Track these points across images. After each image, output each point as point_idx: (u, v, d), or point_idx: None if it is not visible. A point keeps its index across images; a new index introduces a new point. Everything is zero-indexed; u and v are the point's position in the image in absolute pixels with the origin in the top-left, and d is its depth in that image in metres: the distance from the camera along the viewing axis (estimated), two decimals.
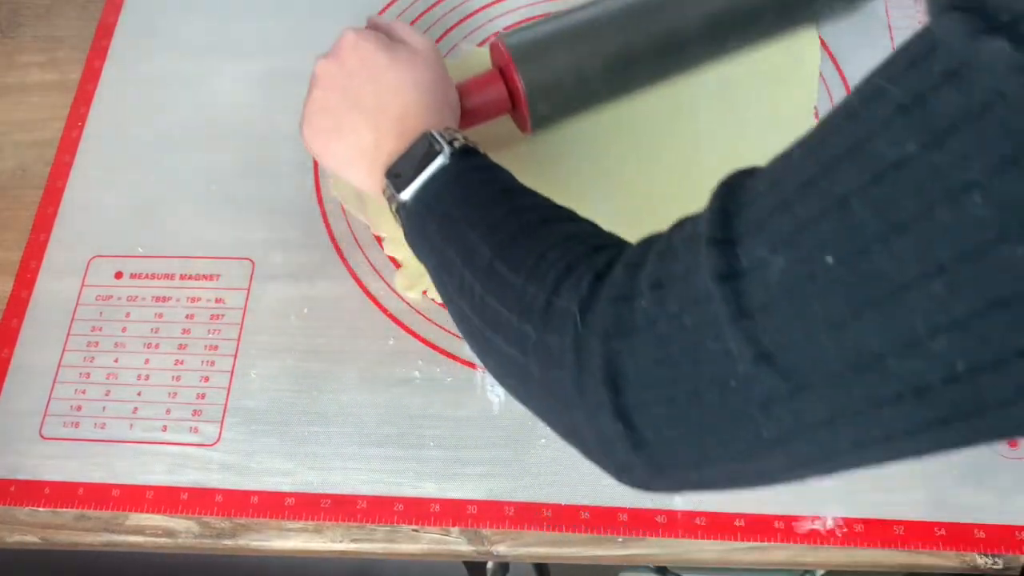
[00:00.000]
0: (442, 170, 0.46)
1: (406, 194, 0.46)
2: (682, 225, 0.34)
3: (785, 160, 0.30)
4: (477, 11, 0.68)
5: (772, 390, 0.28)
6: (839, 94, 0.62)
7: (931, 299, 0.24)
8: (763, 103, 0.62)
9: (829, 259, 0.26)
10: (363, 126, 0.50)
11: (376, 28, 0.56)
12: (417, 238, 0.47)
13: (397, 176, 0.47)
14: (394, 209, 0.48)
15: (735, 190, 0.31)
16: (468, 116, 0.55)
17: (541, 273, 0.38)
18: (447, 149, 0.46)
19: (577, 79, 0.55)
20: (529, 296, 0.38)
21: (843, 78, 0.63)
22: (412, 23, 0.68)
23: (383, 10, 0.69)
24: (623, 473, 0.36)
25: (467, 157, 0.47)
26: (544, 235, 0.41)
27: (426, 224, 0.46)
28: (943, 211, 0.24)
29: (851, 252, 0.26)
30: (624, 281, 0.34)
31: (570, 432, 0.38)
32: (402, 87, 0.50)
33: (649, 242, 0.36)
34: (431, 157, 0.46)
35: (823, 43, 0.65)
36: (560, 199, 0.59)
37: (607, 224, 0.60)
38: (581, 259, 0.38)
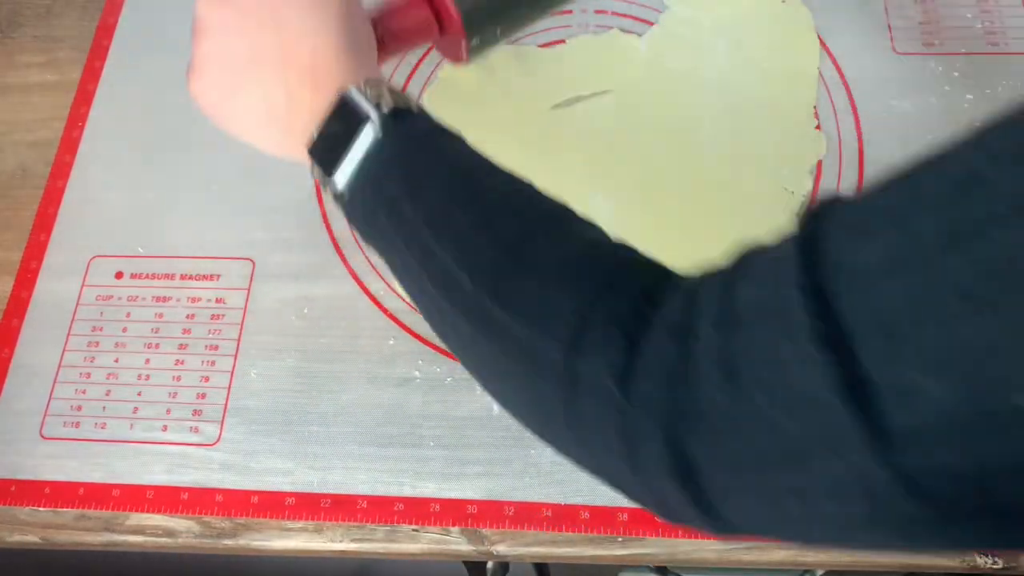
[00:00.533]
0: (376, 145, 0.39)
1: (339, 181, 0.39)
2: (750, 279, 0.28)
3: (912, 224, 0.24)
4: None
5: (909, 513, 0.24)
6: (839, 94, 0.62)
7: None
8: (763, 103, 0.62)
9: (1019, 399, 0.21)
10: (268, 81, 0.41)
11: None
12: (367, 234, 0.40)
13: (323, 155, 0.40)
14: (327, 194, 0.41)
15: (828, 242, 0.25)
16: (386, 46, 0.47)
17: (549, 323, 0.32)
18: (375, 115, 0.39)
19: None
20: (540, 351, 0.32)
21: (843, 78, 0.63)
22: None
23: None
24: (669, 516, 0.31)
25: (402, 122, 0.39)
26: (538, 256, 0.34)
27: (374, 217, 0.39)
28: None
29: None
30: (675, 356, 0.28)
31: (604, 474, 0.33)
32: (308, 28, 0.41)
33: (693, 296, 0.29)
34: (356, 126, 0.39)
35: (823, 43, 0.65)
36: (561, 190, 0.60)
37: (605, 224, 0.60)
38: (598, 303, 0.31)
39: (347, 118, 0.39)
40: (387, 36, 0.47)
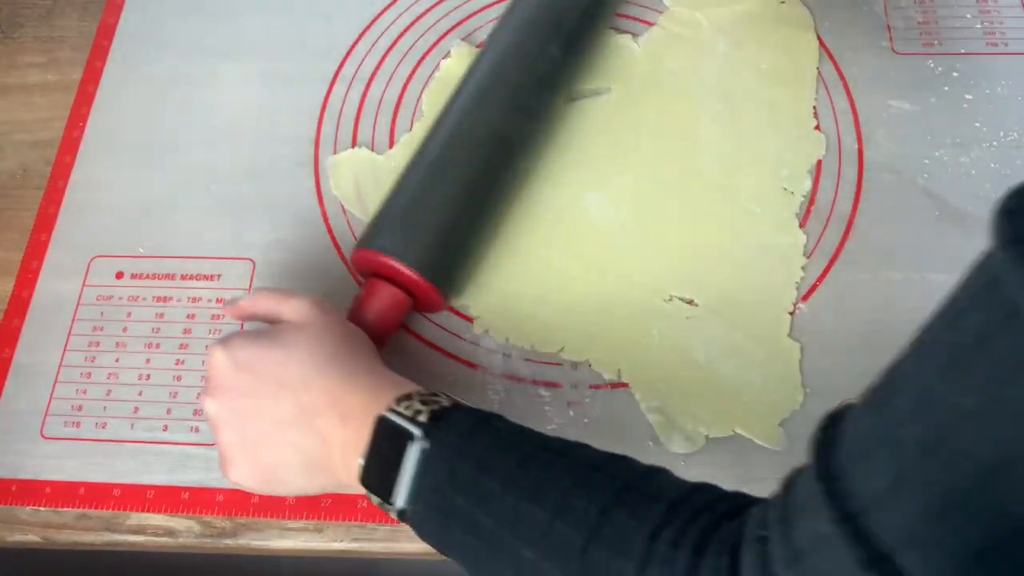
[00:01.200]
0: (426, 457, 0.40)
1: (399, 502, 0.41)
2: (798, 512, 0.31)
3: (897, 441, 0.28)
4: (477, 12, 0.68)
5: None
6: (838, 94, 0.62)
7: None
8: (762, 103, 0.62)
9: None
10: (298, 437, 0.44)
11: (240, 316, 0.51)
12: (444, 546, 0.41)
13: (377, 483, 0.41)
14: (395, 518, 0.42)
15: (838, 472, 0.29)
16: (378, 337, 0.50)
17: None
18: (416, 431, 0.40)
19: (455, 228, 0.53)
20: None
21: (842, 78, 0.63)
22: (411, 24, 0.68)
23: (381, 13, 0.69)
24: None
25: (444, 426, 0.41)
26: (619, 525, 0.35)
27: (447, 531, 0.40)
28: None
29: None
30: None
31: None
32: (313, 373, 0.44)
33: (761, 539, 0.32)
34: (402, 447, 0.40)
35: (822, 43, 0.65)
36: (558, 199, 0.60)
37: (604, 223, 0.60)
38: (696, 566, 0.33)
39: (390, 440, 0.41)
40: (373, 329, 0.50)
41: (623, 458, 0.40)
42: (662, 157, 0.61)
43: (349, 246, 0.59)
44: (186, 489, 0.53)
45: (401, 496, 0.41)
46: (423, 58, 0.66)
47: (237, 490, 0.52)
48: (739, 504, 0.36)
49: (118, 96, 0.67)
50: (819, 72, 0.63)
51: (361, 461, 0.42)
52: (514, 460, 0.39)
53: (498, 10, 0.68)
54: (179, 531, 0.52)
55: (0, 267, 0.61)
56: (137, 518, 0.53)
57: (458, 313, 0.57)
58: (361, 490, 0.43)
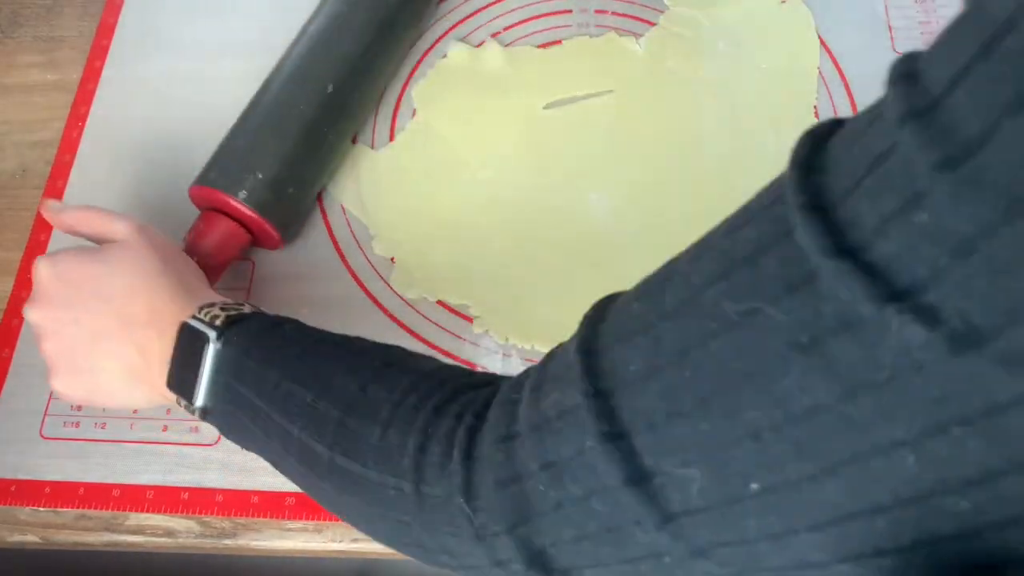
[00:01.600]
0: (219, 357, 0.42)
1: (198, 401, 0.43)
2: (552, 381, 0.31)
3: (655, 333, 0.28)
4: (476, 12, 0.68)
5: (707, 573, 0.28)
6: (839, 94, 0.62)
7: (873, 532, 0.24)
8: (762, 103, 0.62)
9: (754, 486, 0.25)
10: (118, 348, 0.45)
11: (62, 227, 0.51)
12: (240, 441, 0.44)
13: (181, 386, 0.44)
14: (198, 418, 0.45)
15: (600, 348, 0.29)
16: (211, 268, 0.52)
17: (395, 464, 0.35)
18: (211, 334, 0.43)
19: (289, 164, 0.55)
20: (394, 490, 0.35)
21: (843, 78, 0.63)
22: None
23: None
24: None
25: (238, 330, 0.43)
26: (372, 405, 0.37)
27: (238, 423, 0.42)
28: (877, 461, 0.22)
29: (779, 484, 0.25)
30: (504, 462, 0.32)
31: (469, 571, 0.36)
32: (135, 287, 0.45)
33: (514, 405, 0.33)
34: (200, 349, 0.43)
35: (823, 42, 0.65)
36: (556, 195, 0.60)
37: (605, 223, 0.60)
38: (432, 433, 0.35)
39: (191, 344, 0.43)
40: (207, 260, 0.52)
41: (395, 347, 0.42)
42: (663, 157, 0.61)
43: (349, 246, 0.60)
44: (185, 489, 0.53)
45: (200, 396, 0.43)
46: (422, 58, 0.66)
47: (237, 490, 0.52)
48: (494, 377, 0.38)
49: (118, 96, 0.67)
50: (819, 72, 0.63)
51: (167, 366, 0.44)
52: (294, 353, 0.41)
53: (497, 10, 0.68)
54: (178, 531, 0.52)
55: (0, 267, 0.61)
56: (136, 518, 0.53)
57: (458, 313, 0.57)
58: (168, 393, 0.45)
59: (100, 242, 0.50)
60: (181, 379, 0.44)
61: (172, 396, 0.45)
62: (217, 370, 0.43)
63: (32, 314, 0.47)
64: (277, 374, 0.41)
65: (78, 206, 0.51)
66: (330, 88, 0.58)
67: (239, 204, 0.54)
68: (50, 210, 0.52)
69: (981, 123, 0.19)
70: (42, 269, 0.47)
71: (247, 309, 0.46)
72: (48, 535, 0.53)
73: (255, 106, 0.58)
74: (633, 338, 0.29)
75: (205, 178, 0.55)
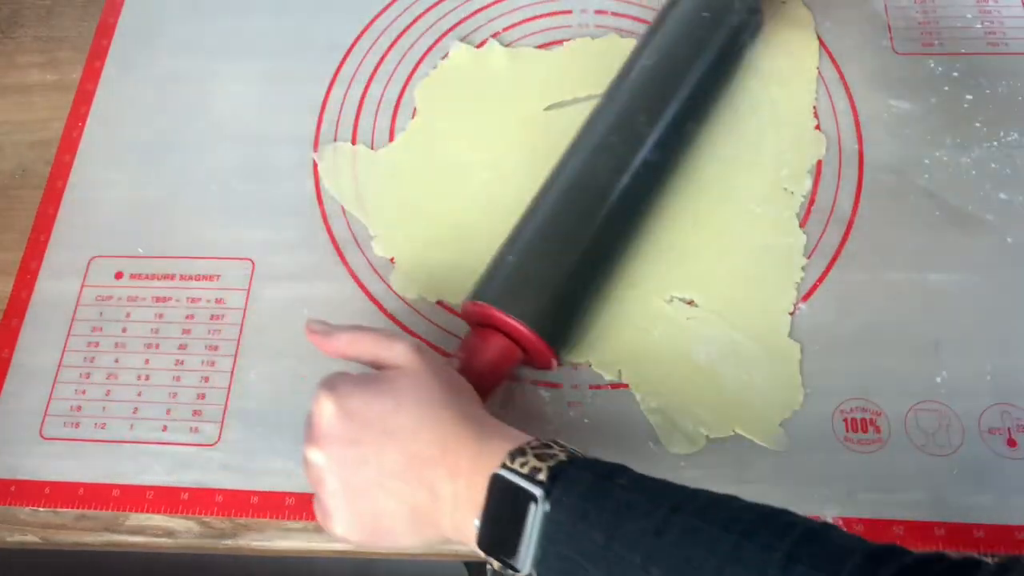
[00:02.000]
0: (548, 524, 0.38)
1: (524, 567, 0.39)
2: None
3: None
4: (477, 12, 0.68)
5: None
6: (838, 94, 0.62)
7: None
8: (762, 103, 0.62)
9: None
10: (404, 489, 0.42)
11: (335, 354, 0.49)
12: None
13: (496, 546, 0.40)
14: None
15: None
16: (482, 389, 0.48)
17: None
18: (536, 492, 0.38)
19: (569, 285, 0.51)
20: None
21: (842, 78, 0.63)
22: (411, 24, 0.68)
23: (381, 13, 0.69)
24: None
25: (565, 487, 0.39)
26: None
27: None
28: None
29: None
30: None
31: None
32: (422, 421, 0.43)
33: None
34: (523, 509, 0.38)
35: (822, 43, 0.65)
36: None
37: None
38: None
39: (509, 501, 0.39)
40: (479, 380, 0.48)
41: (779, 514, 0.37)
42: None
43: (349, 246, 0.60)
44: (185, 490, 0.53)
45: (526, 561, 0.39)
46: (423, 58, 0.66)
47: (236, 490, 0.52)
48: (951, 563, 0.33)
49: (117, 96, 0.67)
50: (819, 72, 0.63)
51: (477, 523, 0.40)
52: (649, 527, 0.37)
53: (497, 10, 0.68)
54: (178, 531, 0.52)
55: (0, 267, 0.61)
56: (136, 518, 0.53)
57: (458, 313, 0.57)
58: (473, 548, 0.41)
59: (376, 365, 0.47)
60: (498, 539, 0.40)
61: (458, 540, 0.42)
62: (549, 538, 0.38)
63: (316, 455, 0.44)
64: (639, 558, 0.36)
65: (348, 328, 0.48)
66: (616, 199, 0.53)
67: (519, 324, 0.49)
68: (316, 334, 0.49)
69: None
70: (328, 407, 0.44)
71: (561, 454, 0.41)
72: (48, 535, 0.53)
73: (534, 219, 0.54)
74: None
75: (484, 295, 0.51)
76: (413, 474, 0.42)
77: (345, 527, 0.44)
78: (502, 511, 0.39)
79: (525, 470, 0.39)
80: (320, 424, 0.44)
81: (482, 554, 0.41)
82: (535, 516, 0.38)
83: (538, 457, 0.40)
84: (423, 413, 0.43)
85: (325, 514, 0.44)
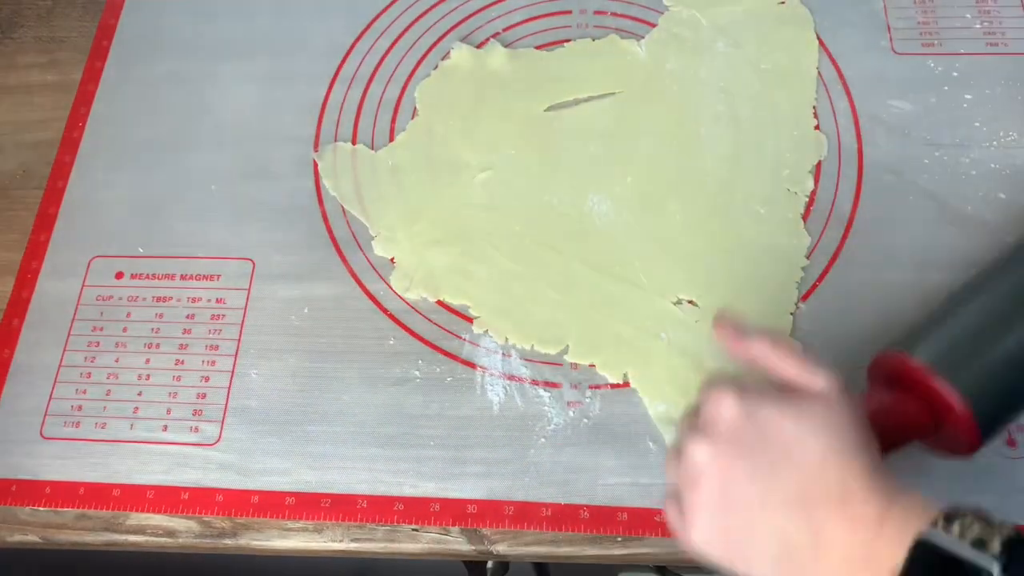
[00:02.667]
0: None
1: None
2: None
3: None
4: (476, 12, 0.68)
5: None
6: (839, 94, 0.62)
7: None
8: (762, 103, 0.62)
9: None
10: (786, 521, 0.37)
11: (744, 354, 0.44)
12: None
13: None
14: None
15: None
16: (881, 448, 0.42)
17: None
18: (992, 567, 0.33)
19: (1013, 376, 0.45)
20: None
21: (842, 78, 0.63)
22: (411, 24, 0.68)
23: (381, 13, 0.69)
24: None
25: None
26: None
27: None
28: None
29: None
30: None
31: None
32: (827, 460, 0.38)
33: None
34: None
35: (822, 43, 0.65)
36: (556, 197, 0.60)
37: (605, 224, 0.60)
38: None
39: (941, 570, 0.34)
40: (882, 438, 0.42)
41: None
42: (664, 158, 0.61)
43: (349, 246, 0.60)
44: (186, 489, 0.53)
45: None
46: (423, 58, 0.66)
47: (237, 490, 0.52)
48: None
49: (118, 96, 0.67)
50: (819, 72, 0.63)
51: (837, 567, 0.36)
52: None
53: (497, 10, 0.68)
54: (179, 531, 0.52)
55: (0, 267, 0.61)
56: (137, 518, 0.53)
57: (458, 313, 0.57)
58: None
59: (784, 385, 0.42)
60: None
61: None
62: None
63: (703, 451, 0.40)
64: None
65: (766, 335, 0.44)
66: None
67: (954, 396, 0.44)
68: (728, 330, 0.45)
69: None
70: (733, 407, 0.40)
71: (990, 516, 0.35)
72: (48, 535, 0.53)
73: (983, 294, 0.48)
74: None
75: (922, 351, 0.46)
76: (802, 511, 0.37)
77: (704, 539, 0.40)
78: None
79: (968, 537, 0.34)
80: (718, 421, 0.40)
81: None
82: None
83: (980, 522, 0.34)
84: (831, 452, 0.38)
85: (683, 518, 0.41)
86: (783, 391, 0.41)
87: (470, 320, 0.56)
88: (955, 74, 0.62)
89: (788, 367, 0.42)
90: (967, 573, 0.33)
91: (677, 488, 0.41)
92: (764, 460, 0.39)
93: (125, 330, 0.58)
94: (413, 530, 0.51)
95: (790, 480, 0.38)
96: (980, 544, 0.33)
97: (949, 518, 0.35)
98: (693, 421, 0.42)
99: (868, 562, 0.35)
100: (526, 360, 0.55)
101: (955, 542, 0.34)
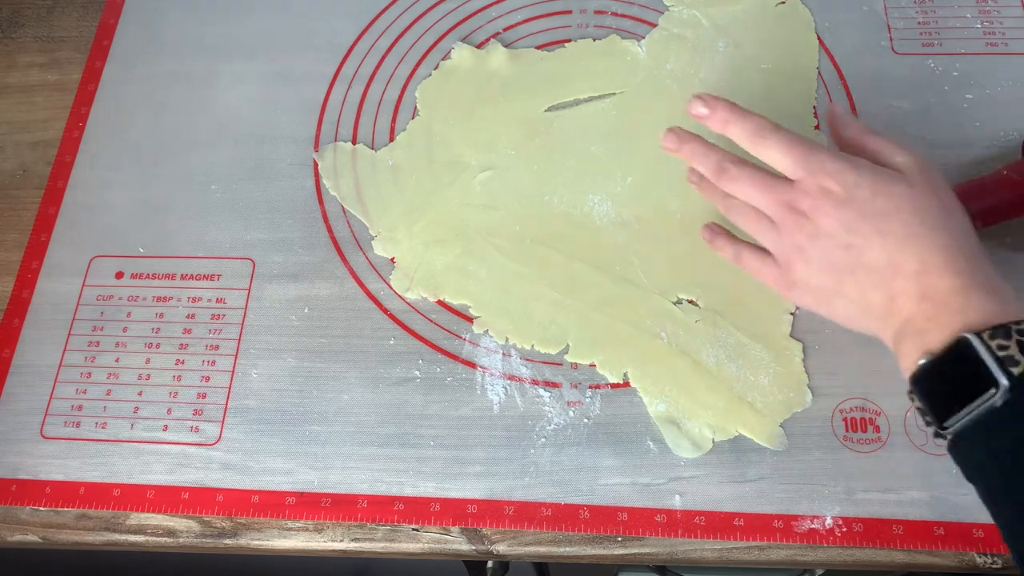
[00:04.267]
0: (996, 416, 0.37)
1: (949, 431, 0.39)
2: None
3: None
4: (477, 12, 0.68)
5: None
6: (839, 94, 0.62)
7: None
8: (763, 103, 0.62)
9: None
10: (869, 287, 0.43)
11: (847, 133, 0.48)
12: (974, 479, 0.40)
13: (931, 396, 0.40)
14: (930, 430, 0.41)
15: None
16: (975, 225, 0.46)
17: None
18: (1002, 381, 0.37)
19: None
20: None
21: (842, 78, 0.63)
22: (412, 24, 0.68)
23: (381, 13, 0.69)
24: None
25: None
26: None
27: (986, 475, 0.38)
28: None
29: None
30: None
31: None
32: (910, 233, 0.42)
33: None
34: (974, 386, 0.38)
35: (822, 43, 0.65)
36: (556, 197, 0.60)
37: (605, 224, 0.60)
38: None
39: (963, 370, 0.38)
40: (976, 216, 0.46)
41: None
42: (664, 158, 0.61)
43: (349, 246, 0.60)
44: (186, 489, 0.53)
45: (953, 427, 0.39)
46: (423, 58, 0.66)
47: (237, 490, 0.52)
48: None
49: (118, 96, 0.67)
50: (819, 72, 0.63)
51: (922, 362, 0.40)
52: None
53: (498, 10, 0.68)
54: (179, 531, 0.52)
55: (0, 267, 0.61)
56: (137, 518, 0.53)
57: (458, 313, 0.57)
58: (890, 339, 0.43)
59: (875, 160, 0.46)
60: (933, 389, 0.40)
61: (890, 348, 0.42)
62: (985, 427, 0.38)
63: (810, 185, 0.44)
64: None
65: (860, 124, 0.49)
66: None
67: None
68: (837, 117, 0.49)
69: None
70: (863, 175, 0.44)
71: None
72: (49, 535, 0.53)
73: None
74: None
75: None
76: (884, 279, 0.43)
77: (800, 292, 0.46)
78: (953, 373, 0.39)
79: (1001, 353, 0.38)
80: (846, 181, 0.44)
81: (905, 376, 0.41)
82: (985, 401, 0.37)
83: (1021, 347, 0.38)
84: (913, 227, 0.42)
85: (785, 269, 0.46)
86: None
87: (470, 320, 0.56)
88: (955, 74, 0.62)
89: (875, 147, 0.46)
90: (984, 383, 0.37)
91: (777, 238, 0.46)
92: (859, 233, 0.43)
93: (125, 330, 0.58)
94: (413, 530, 0.51)
95: (879, 251, 0.43)
96: (1008, 362, 0.37)
97: (996, 332, 0.38)
98: (819, 156, 0.45)
99: (923, 334, 0.40)
100: (526, 360, 0.55)
101: (988, 353, 0.38)
